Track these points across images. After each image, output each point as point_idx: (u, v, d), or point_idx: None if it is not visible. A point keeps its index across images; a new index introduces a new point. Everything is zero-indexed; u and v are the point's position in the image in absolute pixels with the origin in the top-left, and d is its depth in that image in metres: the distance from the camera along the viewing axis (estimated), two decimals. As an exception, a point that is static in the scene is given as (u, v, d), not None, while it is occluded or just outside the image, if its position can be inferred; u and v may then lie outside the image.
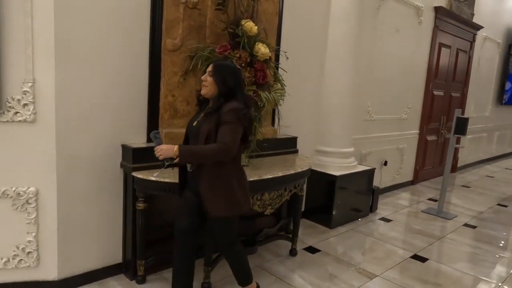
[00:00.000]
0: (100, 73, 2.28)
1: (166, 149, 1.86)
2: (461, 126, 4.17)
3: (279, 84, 2.76)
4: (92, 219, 2.40)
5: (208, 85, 1.96)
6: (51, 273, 2.29)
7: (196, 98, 2.18)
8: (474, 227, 4.08)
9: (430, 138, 5.94)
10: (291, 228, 3.41)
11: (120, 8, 2.30)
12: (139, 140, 2.52)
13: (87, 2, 2.17)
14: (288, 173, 2.69)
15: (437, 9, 5.30)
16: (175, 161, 1.87)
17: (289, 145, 3.37)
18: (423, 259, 3.17)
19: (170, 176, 2.27)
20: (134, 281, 2.50)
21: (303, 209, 3.63)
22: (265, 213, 2.66)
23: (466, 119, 4.20)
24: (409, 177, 5.67)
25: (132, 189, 2.40)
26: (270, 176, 2.54)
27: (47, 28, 2.06)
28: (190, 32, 2.61)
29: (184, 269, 2.15)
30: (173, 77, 2.57)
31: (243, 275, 2.27)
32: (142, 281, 2.49)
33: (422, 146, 5.77)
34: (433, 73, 5.59)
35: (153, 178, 2.26)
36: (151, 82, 2.51)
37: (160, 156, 1.86)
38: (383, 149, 4.91)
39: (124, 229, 2.55)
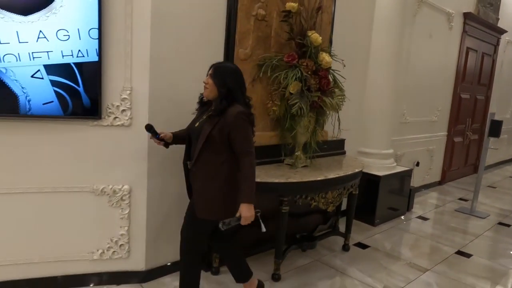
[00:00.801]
0: (185, 81, 2.49)
1: (249, 215, 1.88)
2: (495, 129, 4.34)
3: (337, 90, 2.96)
4: (173, 214, 2.60)
5: (209, 87, 1.97)
6: (139, 264, 2.51)
7: (199, 100, 2.15)
8: (508, 225, 4.25)
9: (457, 139, 6.12)
10: (338, 225, 3.62)
11: (202, 23, 2.51)
12: (212, 142, 2.73)
13: (177, 19, 2.38)
14: (348, 173, 2.88)
15: (466, 15, 5.47)
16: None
17: (337, 146, 3.56)
18: (467, 255, 3.35)
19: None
20: (209, 272, 2.71)
21: (345, 207, 3.82)
22: (328, 210, 2.86)
23: (500, 122, 4.37)
24: (437, 177, 5.84)
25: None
26: (334, 176, 2.74)
27: (144, 42, 2.27)
28: (258, 43, 2.82)
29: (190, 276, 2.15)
30: (243, 84, 2.78)
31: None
32: (216, 272, 2.70)
33: (450, 148, 5.95)
34: (460, 77, 5.76)
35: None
36: (224, 89, 2.72)
37: (250, 221, 1.90)
38: (415, 150, 5.09)
39: (199, 225, 2.75)
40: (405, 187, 4.29)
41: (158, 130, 2.12)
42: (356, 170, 3.00)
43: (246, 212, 1.88)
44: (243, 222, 1.89)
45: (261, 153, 2.84)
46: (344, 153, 3.62)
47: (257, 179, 2.45)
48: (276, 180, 2.51)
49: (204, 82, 2.00)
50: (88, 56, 2.13)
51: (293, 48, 2.84)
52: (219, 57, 2.66)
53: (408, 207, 4.44)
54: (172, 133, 2.19)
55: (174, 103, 2.46)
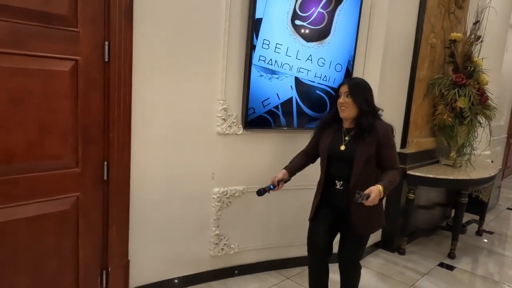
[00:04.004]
0: (389, 97, 3.09)
1: (375, 197, 1.75)
2: None
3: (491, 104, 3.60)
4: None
5: (348, 106, 1.89)
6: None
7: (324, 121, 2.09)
8: None
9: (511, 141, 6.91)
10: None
11: (399, 51, 3.14)
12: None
13: (392, 47, 3.00)
14: (497, 171, 3.56)
15: (527, 32, 6.25)
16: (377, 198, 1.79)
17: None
18: None
19: (439, 172, 3.13)
20: (396, 253, 3.32)
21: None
22: (485, 201, 3.53)
23: None
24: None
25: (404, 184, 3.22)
26: (494, 173, 3.42)
27: (375, 71, 2.88)
28: (429, 66, 3.45)
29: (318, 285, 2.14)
30: (418, 100, 3.41)
31: None
32: (403, 253, 3.31)
33: (507, 148, 6.72)
34: (518, 86, 6.55)
35: (421, 174, 3.11)
36: (407, 104, 3.35)
37: (370, 203, 1.77)
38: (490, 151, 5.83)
39: (386, 215, 3.35)
40: (497, 183, 5.00)
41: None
42: (498, 169, 3.68)
43: (376, 196, 1.76)
44: (368, 203, 1.76)
45: (424, 155, 3.50)
46: (464, 154, 4.29)
47: (441, 176, 3.11)
48: (462, 177, 3.15)
49: (341, 103, 1.92)
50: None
51: (447, 70, 3.52)
52: (406, 78, 3.29)
53: (497, 200, 5.16)
54: (285, 169, 2.11)
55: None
